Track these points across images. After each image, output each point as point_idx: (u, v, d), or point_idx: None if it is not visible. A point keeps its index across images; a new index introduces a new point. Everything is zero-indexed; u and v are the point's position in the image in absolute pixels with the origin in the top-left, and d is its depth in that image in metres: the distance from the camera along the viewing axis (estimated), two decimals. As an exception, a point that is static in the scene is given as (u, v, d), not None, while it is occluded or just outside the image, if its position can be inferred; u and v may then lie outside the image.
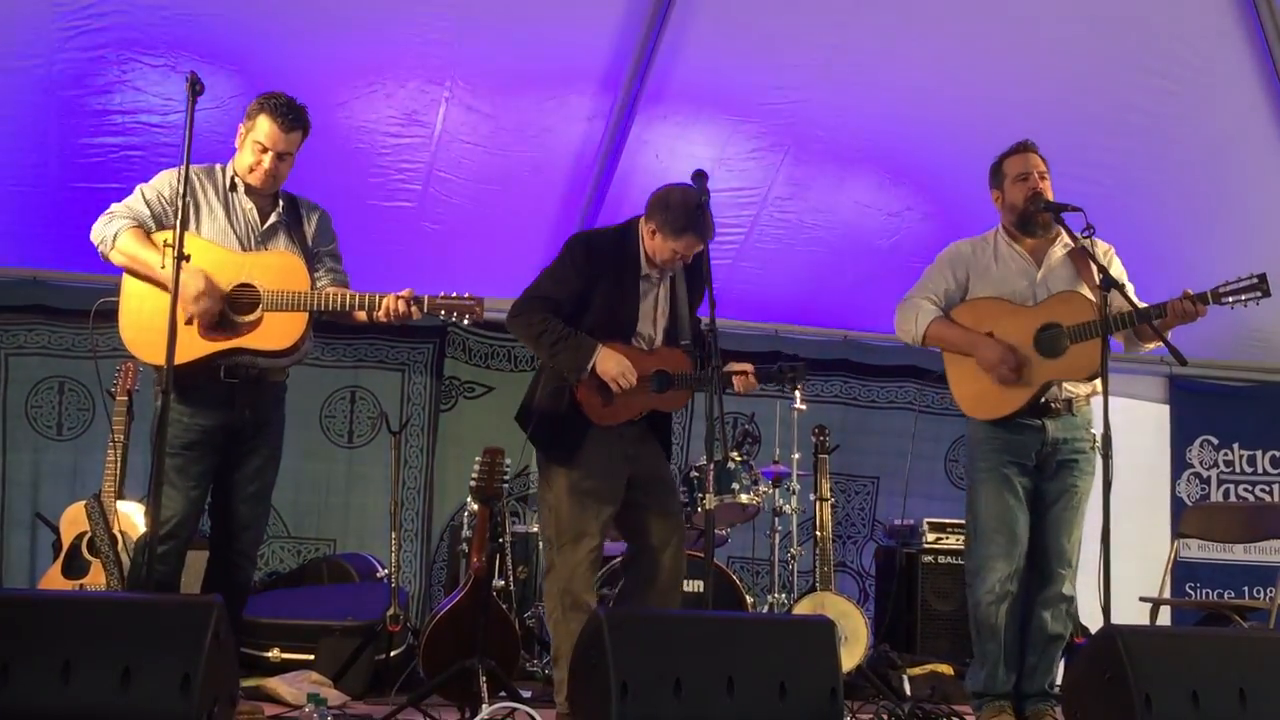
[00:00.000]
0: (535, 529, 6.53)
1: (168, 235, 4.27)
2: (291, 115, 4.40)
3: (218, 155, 4.55)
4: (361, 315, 4.35)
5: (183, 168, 3.99)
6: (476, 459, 4.86)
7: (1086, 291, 4.75)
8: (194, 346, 4.22)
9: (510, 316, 4.70)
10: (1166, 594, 6.65)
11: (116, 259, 4.32)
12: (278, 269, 4.34)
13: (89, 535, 5.61)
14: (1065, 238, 4.89)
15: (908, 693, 5.72)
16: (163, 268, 4.17)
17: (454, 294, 4.38)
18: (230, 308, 4.26)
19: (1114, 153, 6.68)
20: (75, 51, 5.88)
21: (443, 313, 4.36)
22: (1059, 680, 4.78)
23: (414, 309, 4.30)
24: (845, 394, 8.03)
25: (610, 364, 4.49)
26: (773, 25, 6.20)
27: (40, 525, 6.56)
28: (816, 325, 7.85)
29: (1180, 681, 3.61)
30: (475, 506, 5.23)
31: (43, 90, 6.02)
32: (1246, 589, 7.82)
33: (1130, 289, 4.67)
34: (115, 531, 5.49)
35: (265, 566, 7.06)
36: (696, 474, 6.21)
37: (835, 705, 3.54)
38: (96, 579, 5.55)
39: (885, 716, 4.45)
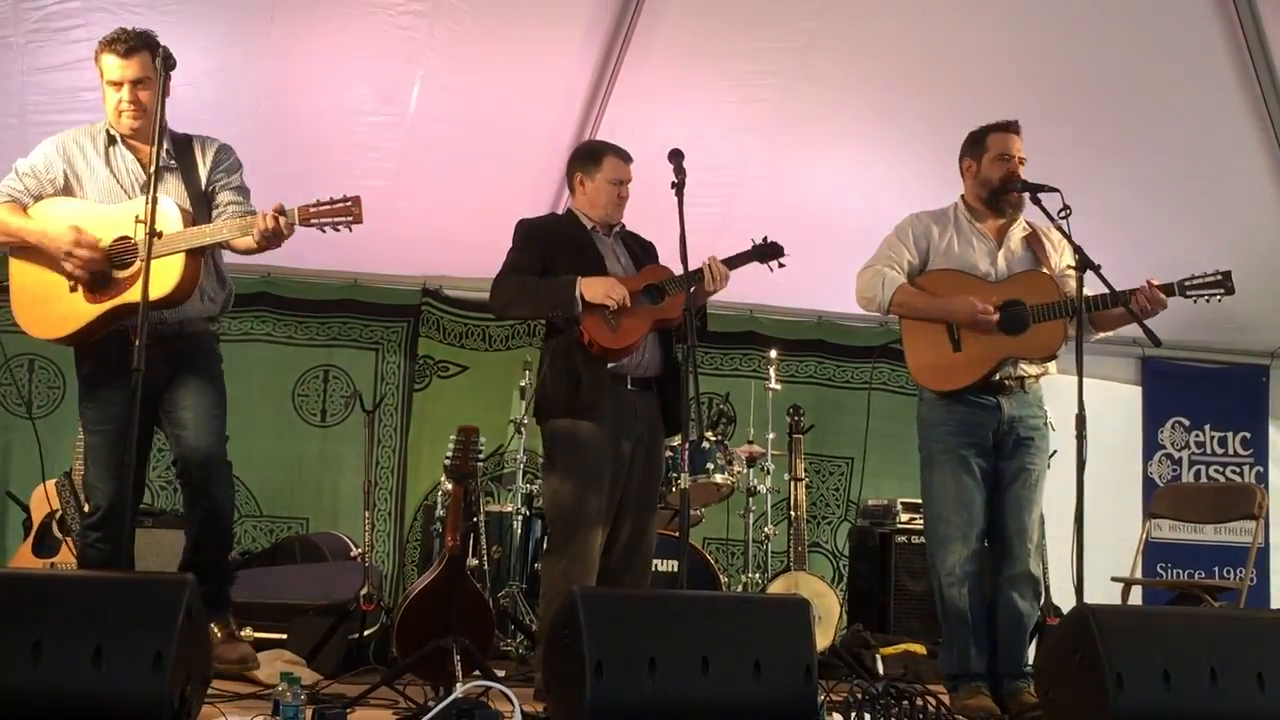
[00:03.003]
0: (509, 508, 6.53)
1: (47, 201, 4.27)
2: (126, 39, 4.24)
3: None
4: (245, 242, 4.17)
5: (153, 147, 3.94)
6: (451, 438, 4.85)
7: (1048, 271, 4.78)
8: (81, 313, 4.15)
9: (491, 299, 4.81)
10: (1138, 574, 6.70)
11: None
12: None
13: (59, 514, 5.58)
14: (1024, 223, 4.90)
15: (881, 672, 5.74)
16: (37, 230, 4.17)
17: (328, 199, 4.10)
18: (112, 265, 4.14)
19: (1090, 136, 6.68)
20: (45, 28, 5.82)
21: (316, 223, 4.08)
22: (1030, 660, 4.80)
23: (282, 222, 4.05)
24: (820, 374, 8.06)
25: (595, 284, 4.59)
26: (751, 3, 6.18)
27: (10, 504, 6.52)
28: (791, 305, 7.86)
29: (1152, 661, 3.63)
30: (449, 485, 5.22)
31: (11, 66, 5.96)
32: (1217, 569, 7.89)
33: (1101, 268, 4.68)
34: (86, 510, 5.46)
35: (238, 545, 7.03)
36: (671, 454, 6.21)
37: (809, 684, 3.55)
38: (67, 558, 5.53)
39: (859, 695, 4.45)
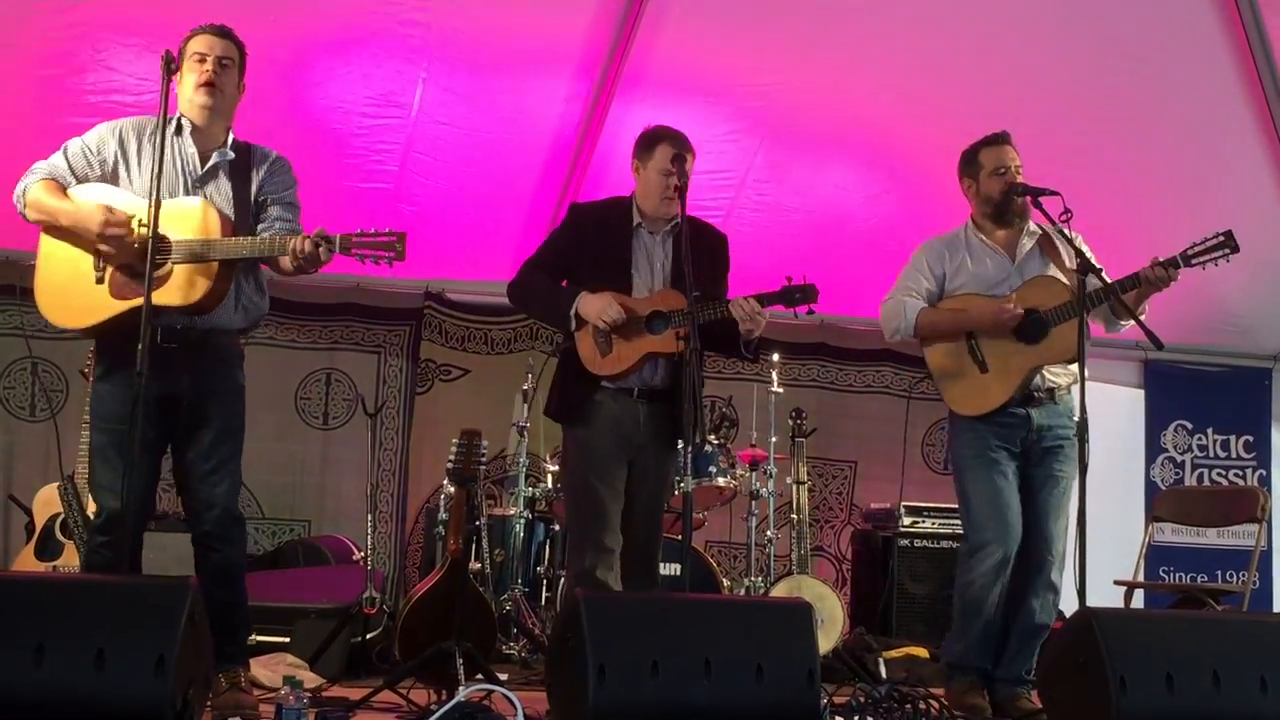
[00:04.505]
0: (512, 511, 6.53)
1: (89, 186, 4.13)
2: (220, 26, 4.25)
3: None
4: (283, 262, 4.06)
5: (157, 148, 3.93)
6: (454, 441, 4.83)
7: (1059, 274, 4.77)
8: (102, 306, 4.03)
9: (508, 288, 4.72)
10: (1140, 577, 6.69)
11: (30, 215, 4.12)
12: (187, 218, 4.03)
13: (62, 517, 5.57)
14: (1033, 227, 4.89)
15: (883, 675, 5.74)
16: (70, 210, 4.03)
17: (372, 230, 3.99)
18: (141, 261, 3.94)
19: (1091, 139, 6.68)
20: (49, 31, 5.83)
21: (357, 254, 3.97)
22: (1034, 665, 4.80)
23: (322, 250, 3.94)
24: (823, 378, 8.05)
25: (590, 304, 4.46)
26: (752, 6, 6.18)
27: (13, 507, 6.51)
28: (793, 308, 7.84)
29: (1155, 664, 3.64)
30: (452, 489, 5.21)
31: (14, 69, 5.97)
32: (1220, 572, 7.87)
33: (1102, 271, 4.68)
34: (89, 513, 5.45)
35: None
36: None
37: (812, 688, 3.55)
38: (70, 561, 5.52)
39: (861, 699, 4.46)
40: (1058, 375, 4.79)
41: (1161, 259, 4.55)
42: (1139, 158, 6.85)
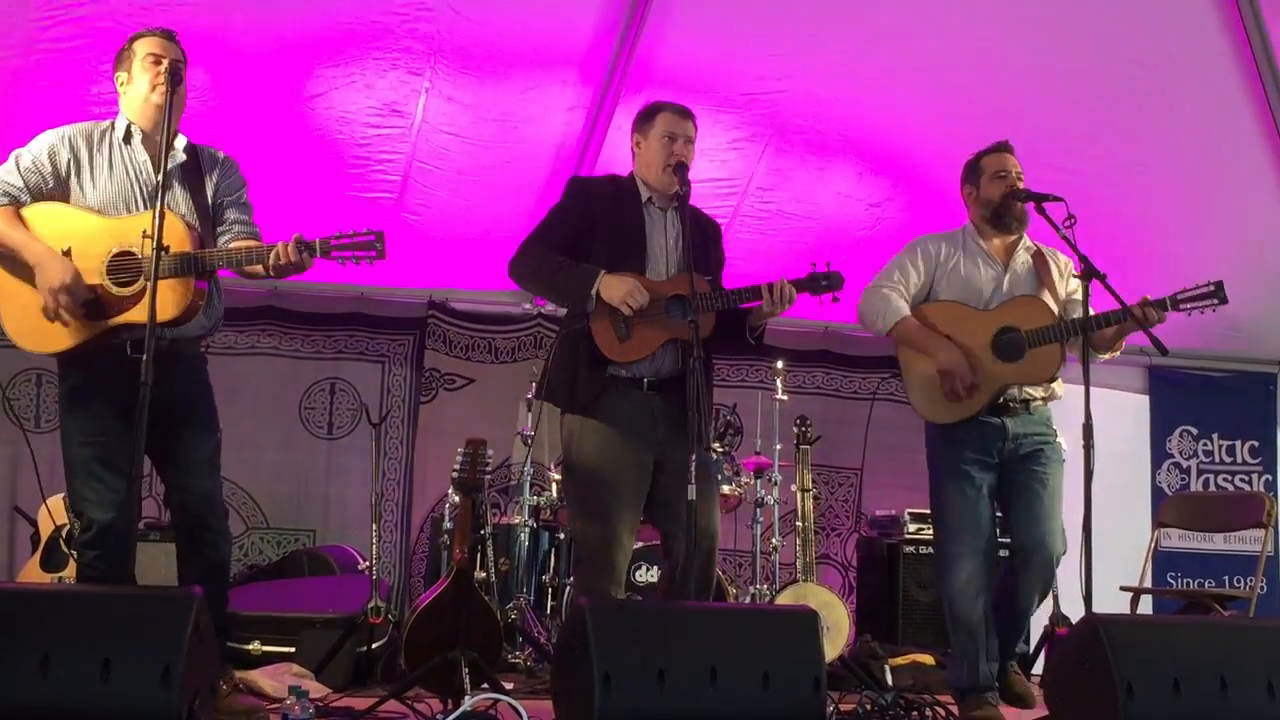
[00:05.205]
0: (517, 520, 6.53)
1: (43, 207, 4.06)
2: (167, 29, 4.21)
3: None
4: (254, 268, 4.04)
5: (163, 159, 3.93)
6: (459, 450, 4.83)
7: (1047, 298, 4.77)
8: (75, 329, 3.98)
9: (510, 263, 4.46)
10: (1147, 583, 6.69)
11: None
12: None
13: (67, 528, 5.57)
14: (1028, 243, 4.89)
15: (890, 683, 5.73)
16: (37, 251, 3.96)
17: (350, 232, 3.98)
18: (111, 280, 3.97)
19: (1094, 144, 6.68)
20: (52, 41, 5.84)
21: (339, 256, 3.96)
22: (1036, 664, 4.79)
23: (305, 256, 3.94)
24: (827, 385, 8.05)
25: (614, 286, 4.24)
26: (754, 14, 6.19)
27: (19, 518, 6.51)
28: (797, 316, 7.85)
29: (1162, 670, 3.63)
30: (457, 498, 5.22)
31: (20, 80, 5.98)
32: (1226, 578, 7.86)
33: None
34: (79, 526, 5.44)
35: (245, 558, 7.04)
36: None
37: (818, 696, 3.54)
38: (76, 572, 5.52)
39: (868, 706, 4.45)
40: (1033, 390, 4.77)
41: (1151, 299, 4.57)
42: (1141, 163, 6.84)
